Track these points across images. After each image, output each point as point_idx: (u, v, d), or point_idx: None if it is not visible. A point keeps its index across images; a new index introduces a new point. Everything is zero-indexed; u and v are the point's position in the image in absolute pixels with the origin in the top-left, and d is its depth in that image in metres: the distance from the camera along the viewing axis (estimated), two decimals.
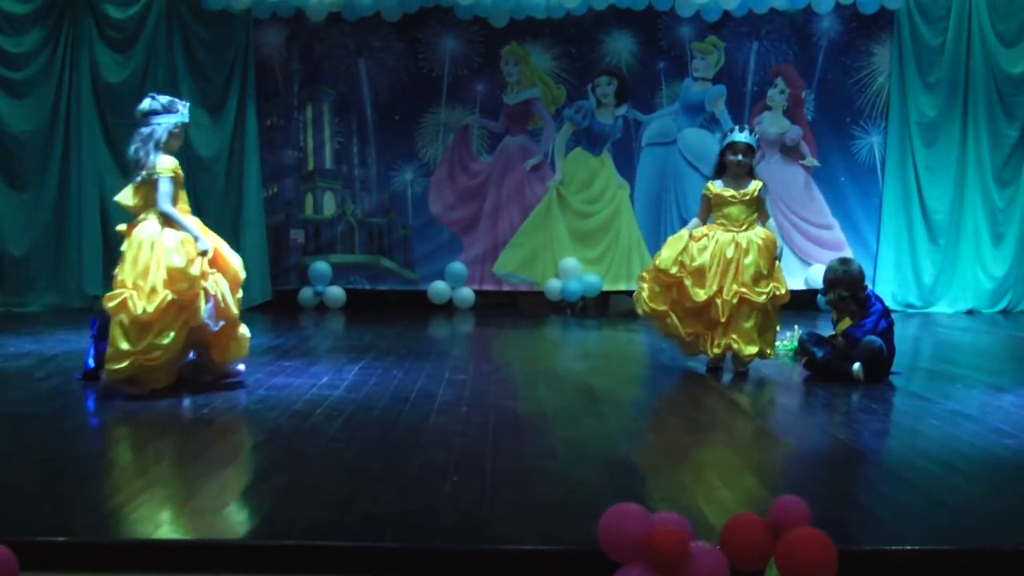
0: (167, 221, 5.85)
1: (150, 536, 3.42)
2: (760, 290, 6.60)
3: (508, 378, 7.06)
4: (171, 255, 5.73)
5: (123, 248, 5.88)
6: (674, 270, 6.66)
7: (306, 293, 11.20)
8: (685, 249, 6.69)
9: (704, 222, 6.90)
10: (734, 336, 6.63)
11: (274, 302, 11.11)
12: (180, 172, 6.00)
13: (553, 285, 11.17)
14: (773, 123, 11.27)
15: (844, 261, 6.91)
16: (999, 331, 9.73)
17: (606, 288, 11.31)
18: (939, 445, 4.79)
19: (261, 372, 6.63)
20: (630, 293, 11.42)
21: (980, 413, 5.52)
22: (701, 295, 6.63)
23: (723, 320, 6.61)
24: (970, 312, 11.00)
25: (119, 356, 5.68)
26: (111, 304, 5.71)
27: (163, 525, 3.53)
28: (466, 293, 11.29)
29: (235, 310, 6.09)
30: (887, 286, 10.98)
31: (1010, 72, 10.87)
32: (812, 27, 11.17)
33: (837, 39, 11.17)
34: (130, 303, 5.65)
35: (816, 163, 11.35)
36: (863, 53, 11.16)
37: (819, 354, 6.75)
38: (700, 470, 4.51)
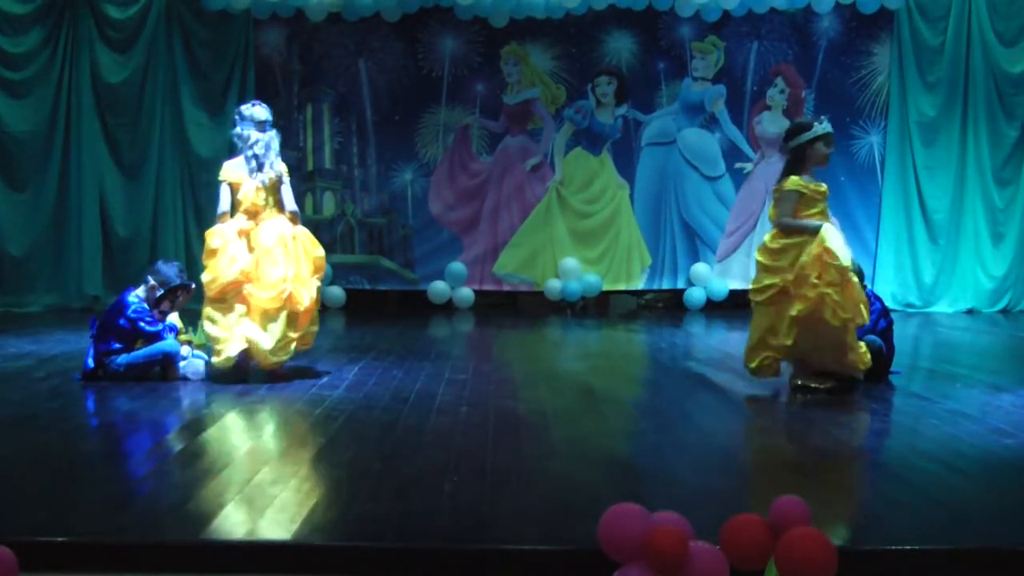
0: (293, 218, 6.55)
1: (150, 536, 3.42)
2: None
3: (508, 378, 7.06)
4: (314, 248, 6.56)
5: (254, 244, 6.34)
6: (848, 264, 5.97)
7: None
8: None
9: None
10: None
11: None
12: None
13: (553, 285, 11.17)
14: (773, 123, 11.27)
15: None
16: (999, 331, 9.73)
17: (606, 288, 11.31)
18: (939, 445, 4.79)
19: (260, 371, 6.63)
20: (632, 293, 11.55)
21: (980, 413, 5.52)
22: (862, 295, 6.07)
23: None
24: (970, 312, 11.00)
25: (287, 344, 6.36)
26: (283, 298, 6.25)
27: (163, 525, 3.53)
28: (466, 293, 11.29)
29: None
30: (887, 286, 10.98)
31: (1010, 72, 10.87)
32: (812, 27, 11.17)
33: (837, 39, 11.17)
34: (296, 295, 6.31)
35: None
36: (863, 53, 11.16)
37: None
38: (700, 470, 4.51)
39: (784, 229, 6.21)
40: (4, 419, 5.29)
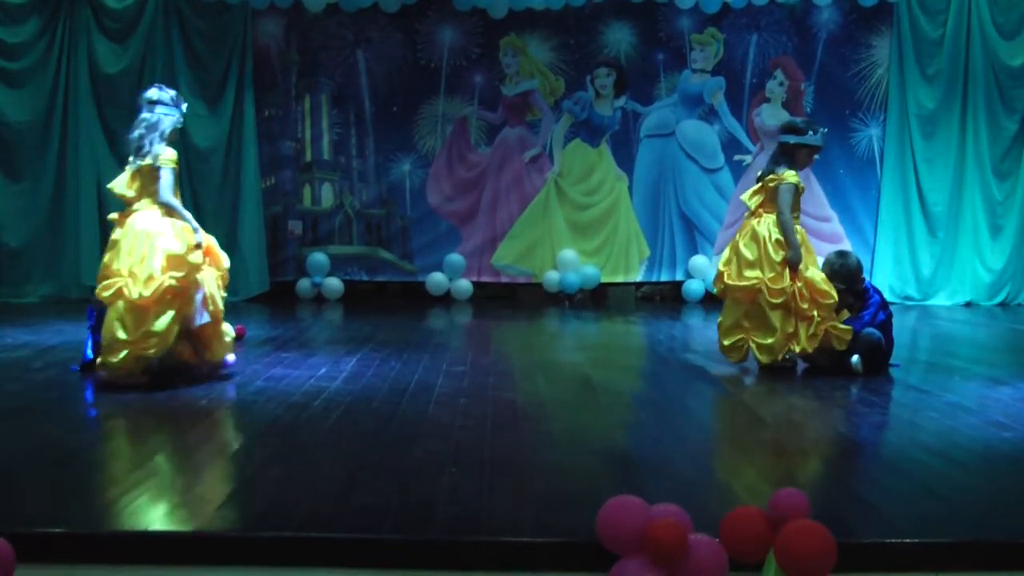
0: (169, 211, 5.92)
1: (148, 528, 3.42)
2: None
3: (506, 370, 7.05)
4: (170, 242, 5.80)
5: (115, 236, 5.90)
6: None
7: (304, 284, 11.19)
8: None
9: None
10: None
11: (272, 293, 11.09)
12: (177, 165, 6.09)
13: (551, 277, 11.17)
14: (772, 115, 11.24)
15: (842, 254, 6.89)
16: (997, 324, 9.73)
17: (604, 280, 11.31)
18: (937, 437, 4.79)
19: (259, 363, 6.63)
20: (632, 285, 11.54)
21: (978, 406, 5.53)
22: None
23: None
24: (968, 305, 11.00)
25: (117, 347, 5.69)
26: (106, 294, 5.73)
27: (161, 517, 3.53)
28: (464, 284, 11.28)
29: (221, 307, 6.14)
30: (885, 278, 10.98)
31: (1009, 64, 10.85)
32: (811, 19, 11.14)
33: (836, 31, 11.15)
34: (126, 290, 5.67)
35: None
36: (862, 45, 11.14)
37: None
38: (699, 462, 4.51)
39: (782, 226, 6.36)
40: (1, 410, 5.28)
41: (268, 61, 11.13)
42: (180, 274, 5.76)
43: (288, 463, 4.28)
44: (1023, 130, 10.95)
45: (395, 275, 11.49)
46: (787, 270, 6.35)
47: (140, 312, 5.68)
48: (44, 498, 3.71)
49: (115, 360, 5.69)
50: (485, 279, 11.44)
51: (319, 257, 11.14)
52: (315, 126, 11.36)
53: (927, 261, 11.11)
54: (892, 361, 6.68)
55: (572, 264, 11.14)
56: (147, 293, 5.65)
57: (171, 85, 10.54)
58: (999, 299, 11.06)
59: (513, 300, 11.37)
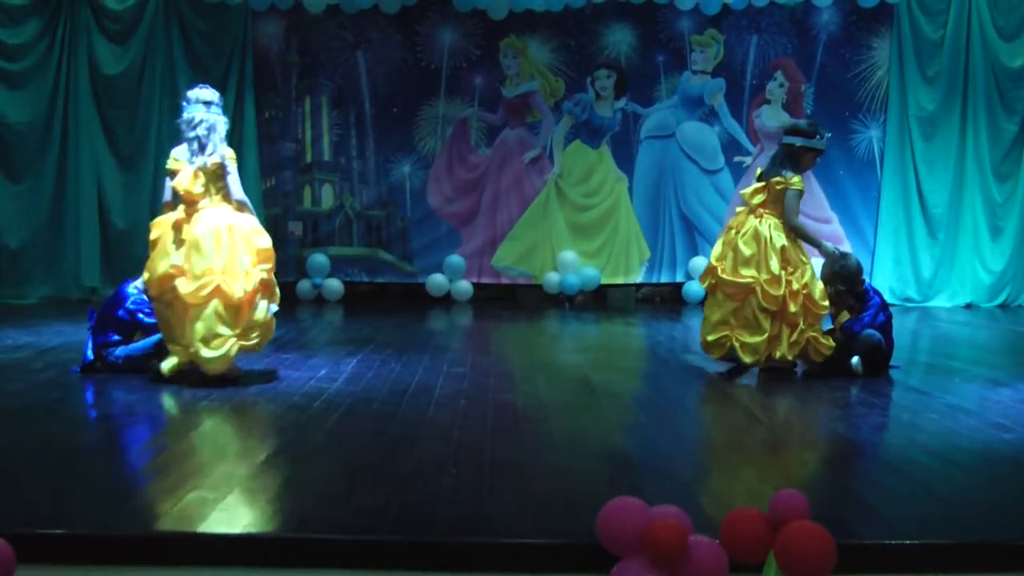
0: (241, 207, 6.11)
1: (148, 529, 3.42)
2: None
3: (506, 371, 7.06)
4: (257, 237, 6.07)
5: (185, 235, 5.92)
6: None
7: (304, 286, 11.18)
8: None
9: None
10: None
11: None
12: None
13: (551, 278, 11.17)
14: (772, 117, 11.24)
15: (842, 256, 6.89)
16: (997, 325, 9.73)
17: (604, 281, 11.30)
18: (937, 439, 4.80)
19: (259, 364, 6.63)
20: (632, 286, 11.54)
21: (978, 407, 5.53)
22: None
23: None
24: (968, 306, 11.00)
25: (221, 342, 5.84)
26: (203, 293, 5.79)
27: (161, 518, 3.53)
28: (464, 286, 11.28)
29: (279, 297, 6.40)
30: (885, 280, 10.98)
31: (1009, 66, 10.85)
32: (811, 20, 11.14)
33: (837, 32, 11.15)
34: (225, 287, 5.81)
35: None
36: (862, 47, 11.14)
37: None
38: (699, 464, 4.51)
39: (797, 232, 6.47)
40: (2, 411, 5.28)
41: (268, 62, 11.14)
42: (269, 266, 6.10)
43: (288, 464, 4.28)
44: (1023, 132, 10.96)
45: (395, 276, 11.49)
46: (784, 277, 6.32)
47: (238, 308, 5.89)
48: (44, 499, 3.71)
49: (217, 355, 5.82)
50: (485, 280, 11.44)
51: (319, 258, 11.14)
52: (315, 127, 11.36)
53: (927, 263, 11.11)
54: (892, 363, 6.68)
55: (572, 265, 11.14)
56: (249, 288, 5.90)
57: (171, 86, 10.70)
58: (999, 301, 11.07)
59: (513, 301, 11.37)
